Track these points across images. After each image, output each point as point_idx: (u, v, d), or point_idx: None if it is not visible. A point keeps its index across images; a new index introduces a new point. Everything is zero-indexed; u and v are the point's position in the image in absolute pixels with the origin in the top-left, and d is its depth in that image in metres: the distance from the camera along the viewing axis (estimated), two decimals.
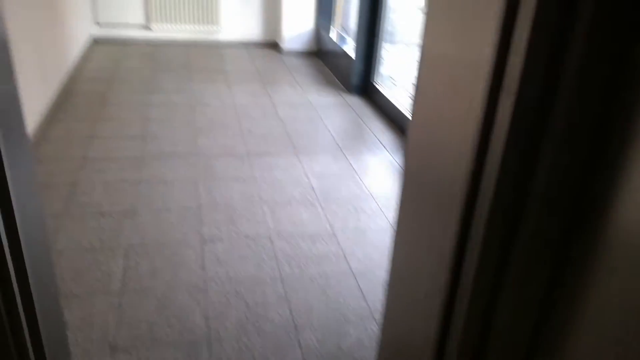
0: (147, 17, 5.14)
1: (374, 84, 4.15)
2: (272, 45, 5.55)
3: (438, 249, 0.85)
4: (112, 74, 4.29)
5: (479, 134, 0.70)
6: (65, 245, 2.15)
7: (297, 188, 2.78)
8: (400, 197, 1.01)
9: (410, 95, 3.82)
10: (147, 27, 5.19)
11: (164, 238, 2.26)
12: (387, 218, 2.57)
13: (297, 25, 5.26)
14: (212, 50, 5.26)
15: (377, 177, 3.01)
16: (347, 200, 2.70)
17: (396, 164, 3.18)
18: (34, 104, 3.13)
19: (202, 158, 3.01)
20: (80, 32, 4.66)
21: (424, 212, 0.92)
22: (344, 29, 5.20)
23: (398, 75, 4.07)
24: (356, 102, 4.15)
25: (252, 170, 2.92)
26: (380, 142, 3.46)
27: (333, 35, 5.09)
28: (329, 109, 3.98)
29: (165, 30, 5.23)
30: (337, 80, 4.65)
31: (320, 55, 5.25)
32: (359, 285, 2.06)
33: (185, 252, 2.17)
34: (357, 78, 4.26)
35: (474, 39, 0.71)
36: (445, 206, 0.81)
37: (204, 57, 5.01)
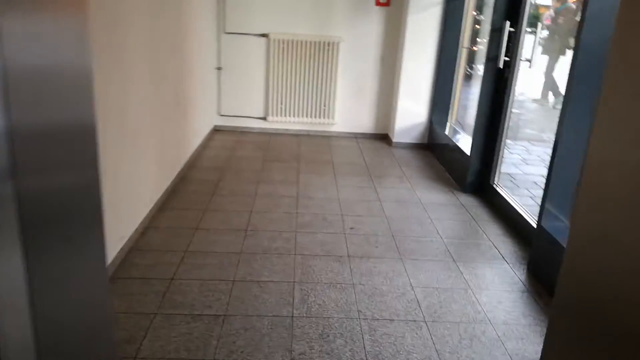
0: (266, 111, 5.39)
1: (492, 184, 3.79)
2: (383, 137, 5.48)
3: None
4: (226, 163, 4.46)
5: None
6: (150, 353, 2.04)
7: (400, 302, 2.47)
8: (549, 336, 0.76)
9: (533, 198, 3.41)
10: (264, 119, 5.43)
11: (252, 354, 2.06)
12: (507, 351, 2.14)
13: (410, 117, 5.15)
14: (323, 140, 5.31)
15: (496, 295, 2.59)
16: (458, 323, 2.32)
17: (518, 279, 2.74)
18: (151, 194, 3.26)
19: (300, 258, 2.85)
20: (205, 124, 4.99)
21: None
22: (460, 123, 4.98)
23: (520, 175, 3.69)
24: (471, 203, 3.80)
25: (352, 276, 2.68)
26: (499, 252, 3.05)
27: (448, 129, 4.88)
28: (440, 209, 3.67)
29: (281, 122, 5.42)
30: (450, 177, 4.36)
31: (432, 149, 5.04)
32: None
33: None
34: (472, 176, 3.94)
35: None
36: None
37: (315, 147, 5.06)
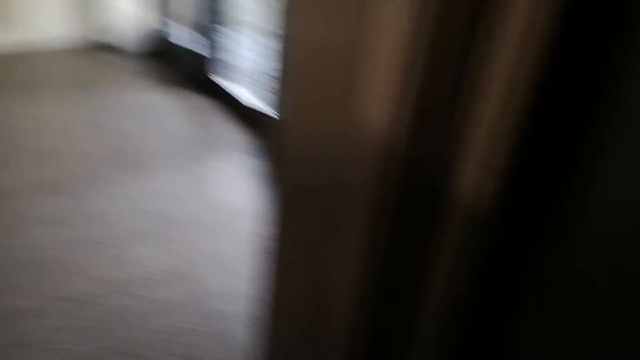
0: None
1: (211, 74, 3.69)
2: (100, 47, 4.75)
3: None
4: None
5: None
6: None
7: (135, 220, 2.26)
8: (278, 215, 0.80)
9: (260, 86, 3.47)
10: None
11: None
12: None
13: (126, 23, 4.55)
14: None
15: (233, 186, 2.60)
16: (199, 224, 2.26)
17: (249, 165, 2.80)
18: None
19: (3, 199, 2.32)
20: None
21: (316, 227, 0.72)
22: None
23: (241, 63, 3.67)
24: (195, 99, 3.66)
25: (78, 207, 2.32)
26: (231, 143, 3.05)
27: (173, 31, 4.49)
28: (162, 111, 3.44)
29: None
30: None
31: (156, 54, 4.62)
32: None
33: None
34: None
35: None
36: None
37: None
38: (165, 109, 3.49)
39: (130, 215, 2.28)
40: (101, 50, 4.64)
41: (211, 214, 2.34)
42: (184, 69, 3.94)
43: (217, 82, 3.69)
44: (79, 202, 2.34)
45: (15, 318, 1.64)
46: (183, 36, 4.12)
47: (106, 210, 2.30)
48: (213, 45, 3.68)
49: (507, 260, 0.56)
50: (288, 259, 0.83)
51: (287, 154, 0.75)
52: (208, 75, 3.76)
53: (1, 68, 4.02)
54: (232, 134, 3.18)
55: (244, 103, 3.36)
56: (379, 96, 0.52)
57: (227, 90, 3.55)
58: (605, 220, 0.47)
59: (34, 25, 4.46)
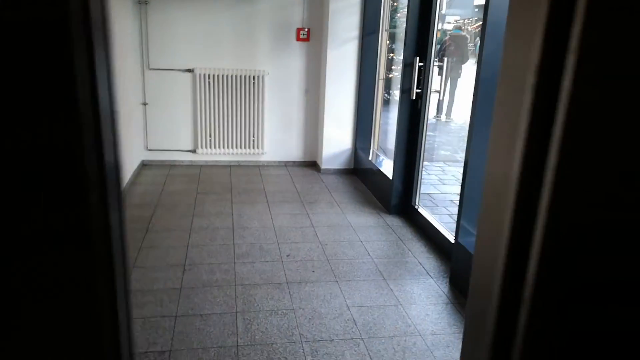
0: (195, 143, 5.44)
1: (414, 205, 4.12)
2: (311, 164, 5.71)
3: None
4: (157, 198, 4.45)
5: None
6: None
7: (338, 322, 2.65)
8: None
9: (451, 215, 3.76)
10: (193, 152, 5.47)
11: None
12: (436, 359, 2.37)
13: (336, 144, 5.43)
14: (254, 170, 5.44)
15: (423, 308, 2.84)
16: (391, 338, 2.53)
17: (442, 292, 3.01)
18: None
19: (240, 288, 2.95)
20: (132, 160, 4.95)
21: None
22: (382, 148, 5.33)
23: (438, 195, 4.04)
24: (396, 223, 4.09)
25: (292, 301, 2.82)
26: (423, 267, 3.33)
27: (371, 155, 5.21)
28: (368, 231, 3.92)
29: (211, 154, 5.49)
30: (375, 200, 4.66)
31: (358, 174, 5.34)
32: None
33: None
34: (396, 199, 4.25)
35: None
36: None
37: (246, 177, 5.18)
38: (361, 225, 3.99)
39: (335, 318, 2.68)
40: (312, 167, 5.55)
41: (408, 333, 2.60)
42: (379, 191, 4.48)
43: (410, 208, 4.10)
44: (292, 299, 2.84)
45: None
46: (380, 160, 4.73)
47: (314, 310, 2.74)
48: (407, 172, 4.15)
49: None
50: None
51: (474, 285, 0.92)
52: (400, 198, 4.21)
53: (238, 177, 5.12)
54: (424, 258, 3.47)
55: (434, 229, 3.67)
56: None
57: (419, 215, 3.93)
58: None
59: (278, 150, 5.63)
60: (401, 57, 4.17)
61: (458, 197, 3.16)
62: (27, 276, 0.66)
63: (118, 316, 0.73)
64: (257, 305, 2.78)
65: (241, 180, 5.07)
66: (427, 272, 3.27)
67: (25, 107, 0.60)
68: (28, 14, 0.56)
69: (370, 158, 5.12)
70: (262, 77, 5.34)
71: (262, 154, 5.59)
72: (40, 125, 0.62)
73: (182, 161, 5.48)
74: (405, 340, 2.51)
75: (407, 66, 4.02)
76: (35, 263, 0.65)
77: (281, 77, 5.44)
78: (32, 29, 0.57)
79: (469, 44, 8.40)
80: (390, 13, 5.09)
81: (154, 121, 5.33)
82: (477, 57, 2.92)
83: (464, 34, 8.61)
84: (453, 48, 8.02)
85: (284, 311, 2.73)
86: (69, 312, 0.70)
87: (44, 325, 0.68)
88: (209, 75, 5.24)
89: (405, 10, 4.03)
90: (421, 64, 3.92)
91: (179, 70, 5.24)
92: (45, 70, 0.61)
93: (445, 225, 3.69)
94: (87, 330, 0.71)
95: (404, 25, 4.04)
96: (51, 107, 0.61)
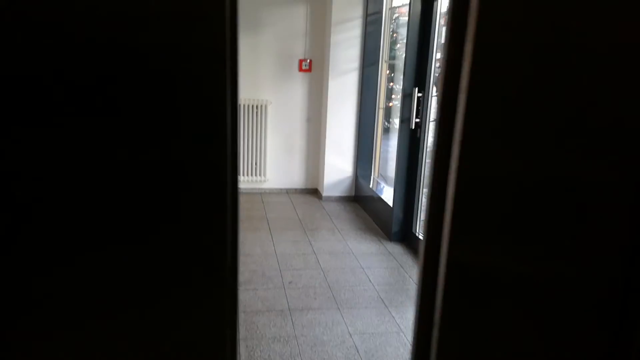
0: None
1: (414, 232, 4.16)
2: (313, 191, 5.78)
3: None
4: None
5: None
6: None
7: (340, 350, 2.67)
8: None
9: None
10: None
11: None
12: None
13: (337, 172, 5.51)
14: (257, 197, 5.51)
15: None
16: None
17: None
18: None
19: (242, 315, 2.98)
20: None
21: None
22: (382, 176, 5.40)
23: None
24: (397, 251, 4.13)
25: (294, 329, 2.85)
26: None
27: (372, 182, 5.28)
28: (370, 258, 3.96)
29: None
30: (377, 227, 4.70)
31: (359, 201, 5.40)
32: None
33: None
34: (397, 226, 4.30)
35: None
36: None
37: (249, 204, 5.24)
38: (363, 252, 4.03)
39: (337, 345, 2.70)
40: (310, 193, 5.61)
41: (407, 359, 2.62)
42: (380, 218, 4.53)
43: (411, 235, 4.15)
44: (296, 326, 2.87)
45: None
46: (380, 187, 4.80)
47: (317, 338, 2.76)
48: (408, 199, 4.21)
49: None
50: None
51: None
52: (401, 225, 4.26)
53: (241, 204, 5.18)
54: None
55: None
56: None
57: (420, 242, 3.96)
58: None
59: (280, 177, 5.71)
60: (401, 86, 4.29)
61: None
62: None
63: (237, 329, 0.85)
64: (260, 332, 2.80)
65: (243, 207, 5.13)
66: None
67: (187, 125, 0.72)
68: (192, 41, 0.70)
69: (371, 185, 5.19)
70: (265, 106, 5.46)
71: (265, 181, 5.67)
72: (196, 146, 0.74)
73: None
74: None
75: (407, 96, 4.12)
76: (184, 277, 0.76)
77: (284, 106, 5.56)
78: (199, 55, 0.70)
79: None
80: (390, 44, 5.24)
81: None
82: None
83: None
84: None
85: (286, 338, 2.75)
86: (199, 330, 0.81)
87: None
88: None
89: (405, 41, 4.16)
90: (420, 94, 4.03)
91: None
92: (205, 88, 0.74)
93: None
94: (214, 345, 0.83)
95: (404, 56, 4.17)
96: (207, 128, 0.72)
